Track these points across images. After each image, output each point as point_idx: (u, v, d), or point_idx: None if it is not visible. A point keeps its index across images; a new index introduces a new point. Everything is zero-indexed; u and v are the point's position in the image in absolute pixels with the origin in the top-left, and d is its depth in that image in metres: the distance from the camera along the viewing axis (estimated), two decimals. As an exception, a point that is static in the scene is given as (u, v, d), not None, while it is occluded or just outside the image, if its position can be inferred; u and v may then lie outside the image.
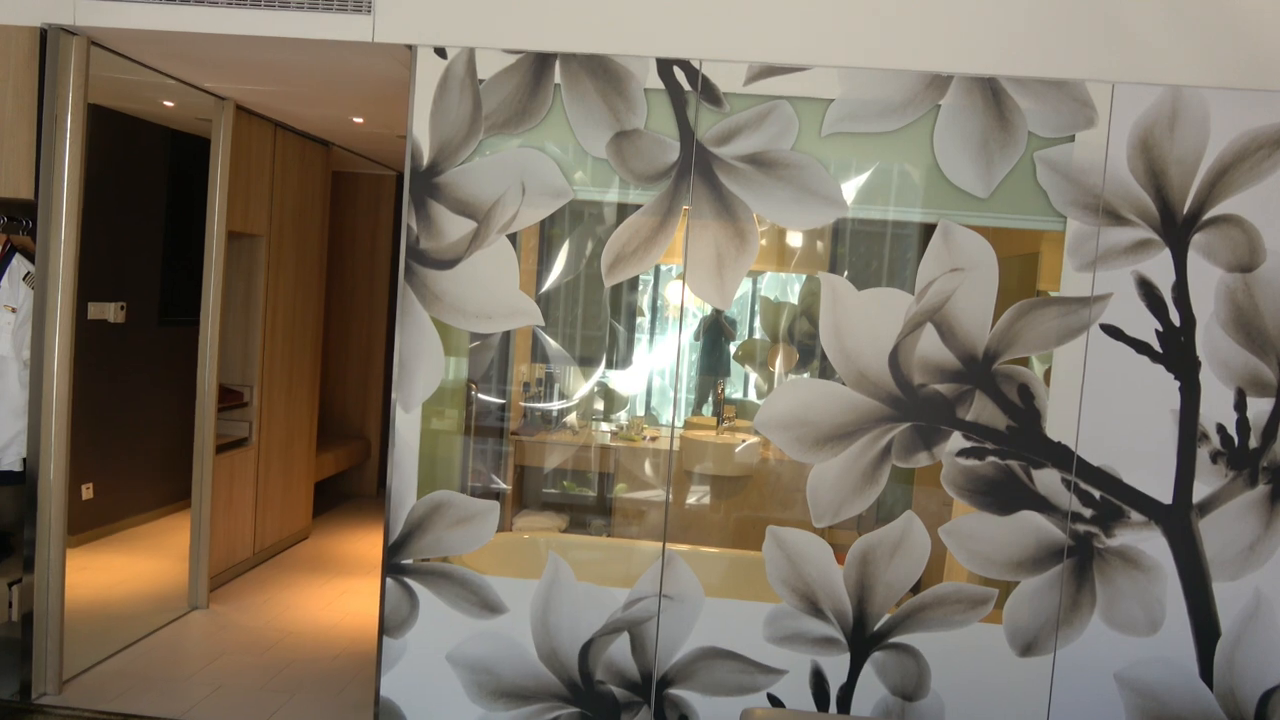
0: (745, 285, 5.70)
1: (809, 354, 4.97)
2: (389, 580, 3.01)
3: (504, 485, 4.75)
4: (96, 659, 3.54)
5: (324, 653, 3.74)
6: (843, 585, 2.89)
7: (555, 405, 5.11)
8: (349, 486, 6.54)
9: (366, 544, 5.37)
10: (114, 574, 4.45)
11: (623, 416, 5.53)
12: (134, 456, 5.20)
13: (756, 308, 6.05)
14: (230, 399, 4.58)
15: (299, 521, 5.26)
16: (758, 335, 5.88)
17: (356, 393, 6.57)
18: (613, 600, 2.97)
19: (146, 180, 5.20)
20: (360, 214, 6.49)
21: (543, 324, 3.00)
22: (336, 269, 6.34)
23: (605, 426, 5.26)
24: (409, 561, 3.00)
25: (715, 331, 5.43)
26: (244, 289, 4.71)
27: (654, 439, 4.93)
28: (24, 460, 3.35)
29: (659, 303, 5.42)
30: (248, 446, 4.63)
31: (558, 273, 4.53)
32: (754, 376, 5.72)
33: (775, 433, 2.90)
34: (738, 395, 5.83)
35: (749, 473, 4.58)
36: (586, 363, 5.00)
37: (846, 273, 5.28)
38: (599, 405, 5.42)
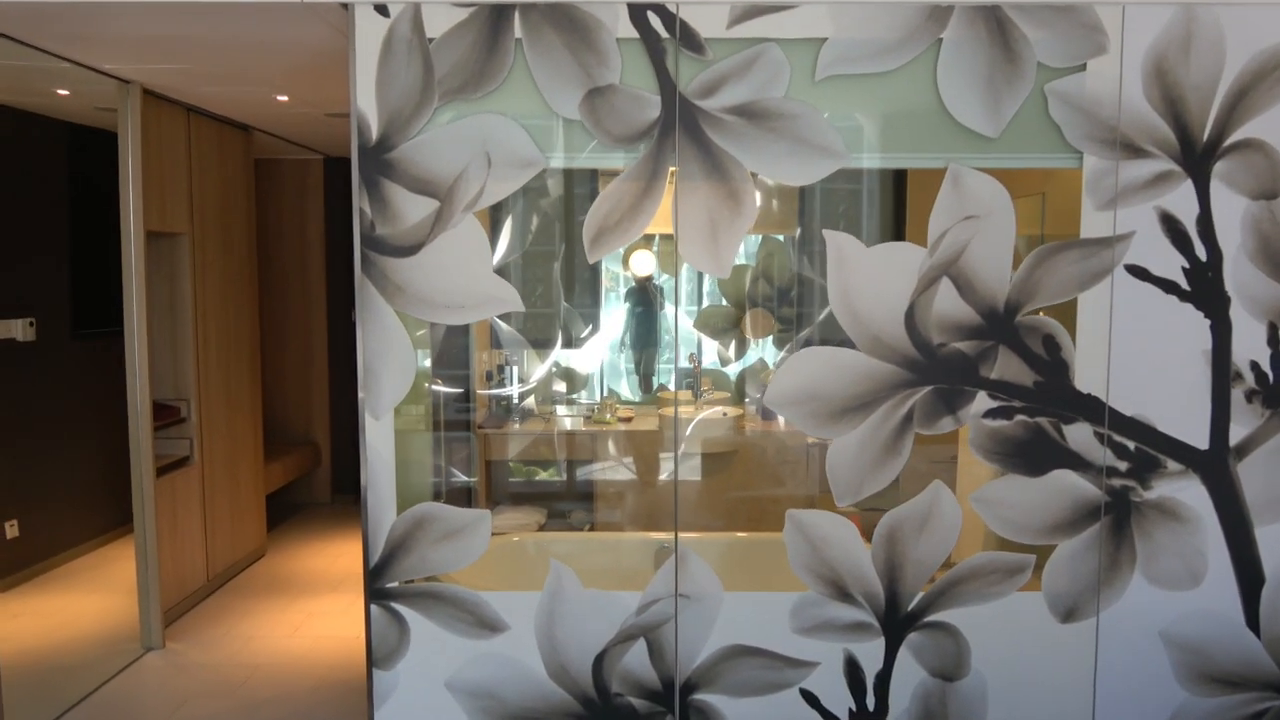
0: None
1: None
2: (373, 607, 2.71)
3: (474, 483, 4.46)
4: (42, 721, 3.17)
5: (299, 686, 3.42)
6: (871, 566, 2.68)
7: (523, 392, 4.80)
8: (301, 495, 6.14)
9: (326, 557, 5.02)
10: (52, 618, 4.03)
11: (583, 397, 5.27)
12: (60, 486, 4.74)
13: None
14: (166, 415, 4.17)
15: (253, 540, 4.88)
16: (719, 302, 5.65)
17: (299, 395, 6.15)
18: (623, 605, 2.71)
19: (45, 182, 4.69)
20: (287, 203, 6.03)
21: (523, 309, 2.70)
22: (265, 264, 5.88)
23: (569, 410, 4.98)
24: (394, 585, 2.70)
25: (644, 301, 5.18)
26: (168, 293, 4.28)
27: (628, 420, 4.67)
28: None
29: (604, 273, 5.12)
30: (190, 465, 4.23)
31: (504, 249, 4.22)
32: (715, 345, 5.49)
33: (787, 409, 2.66)
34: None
35: (735, 447, 4.36)
36: (548, 345, 4.71)
37: (799, 231, 5.09)
38: (563, 388, 5.14)
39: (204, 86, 3.80)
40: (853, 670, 2.71)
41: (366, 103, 2.59)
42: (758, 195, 2.62)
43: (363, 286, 2.62)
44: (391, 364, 2.65)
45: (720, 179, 2.60)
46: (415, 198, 2.60)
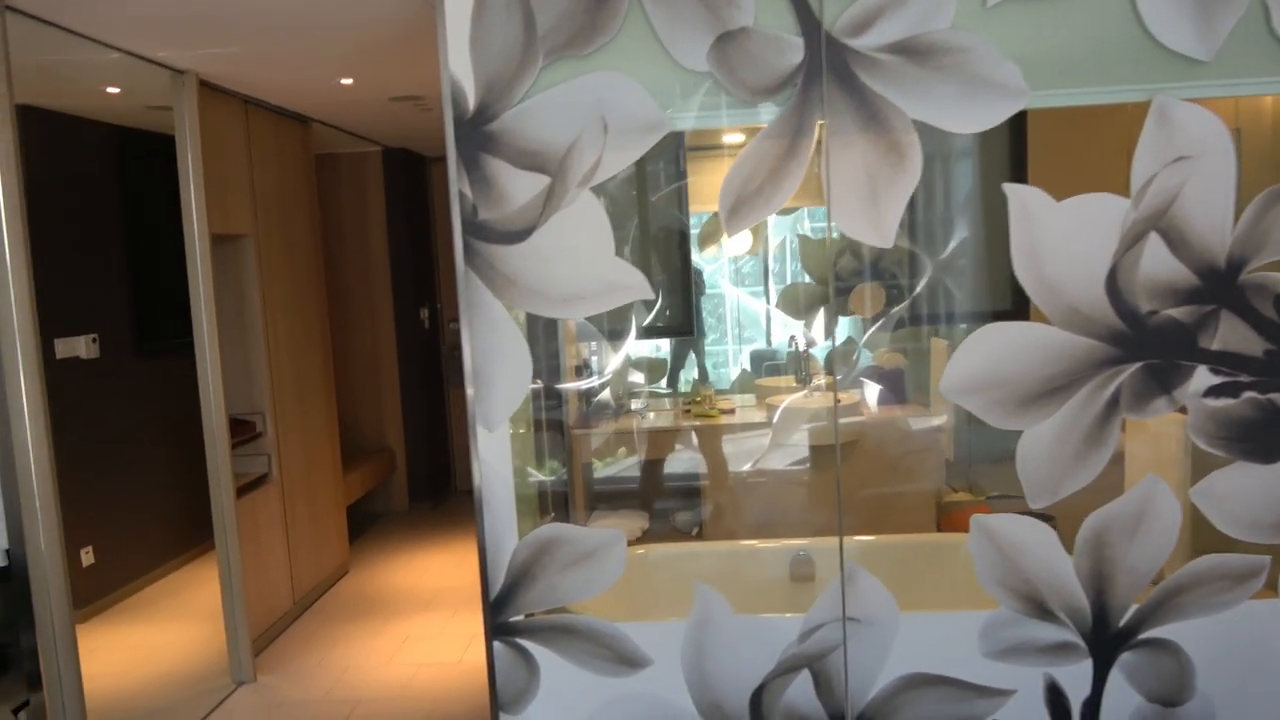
0: (772, 223, 5.11)
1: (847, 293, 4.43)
2: (496, 644, 2.38)
3: (566, 485, 4.13)
4: (135, 772, 2.92)
5: (407, 723, 3.12)
6: (1074, 577, 2.29)
7: (607, 384, 4.46)
8: (378, 505, 5.88)
9: (412, 571, 4.73)
10: (135, 651, 3.79)
11: (663, 387, 4.95)
12: (134, 508, 4.52)
13: (794, 249, 5.45)
14: (242, 431, 3.89)
15: (336, 556, 4.61)
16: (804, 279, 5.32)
17: (369, 401, 5.87)
18: (782, 632, 2.35)
19: (99, 189, 4.44)
20: (345, 198, 5.73)
21: (652, 295, 2.34)
22: (326, 262, 5.60)
23: (665, 404, 4.64)
24: (518, 619, 2.37)
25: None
26: (234, 300, 4.00)
27: (730, 411, 4.31)
28: (5, 552, 2.67)
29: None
30: (269, 483, 3.95)
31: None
32: (800, 326, 5.10)
33: (967, 398, 2.27)
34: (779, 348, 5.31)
35: (854, 437, 3.97)
36: (651, 333, 4.37)
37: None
38: (647, 380, 4.81)
39: (262, 73, 3.49)
40: (1055, 698, 2.33)
41: (460, 68, 2.23)
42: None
43: (467, 281, 2.28)
44: (505, 366, 2.31)
45: (878, 130, 2.21)
46: (522, 174, 2.25)
